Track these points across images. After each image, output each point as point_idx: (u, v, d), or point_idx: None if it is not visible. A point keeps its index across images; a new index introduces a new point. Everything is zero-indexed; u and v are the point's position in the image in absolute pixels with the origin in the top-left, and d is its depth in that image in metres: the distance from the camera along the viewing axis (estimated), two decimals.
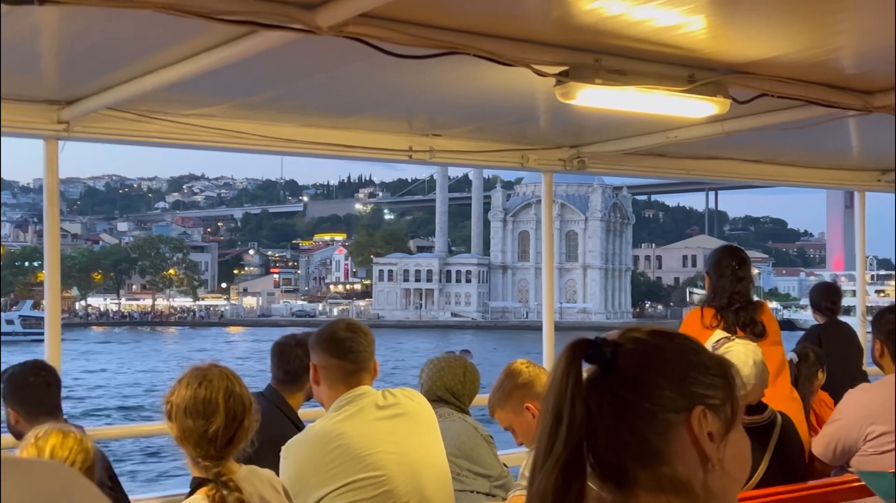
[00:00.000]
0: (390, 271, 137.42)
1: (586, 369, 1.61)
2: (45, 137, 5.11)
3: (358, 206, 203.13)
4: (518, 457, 6.64)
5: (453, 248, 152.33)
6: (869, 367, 7.07)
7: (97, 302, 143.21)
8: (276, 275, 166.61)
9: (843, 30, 4.27)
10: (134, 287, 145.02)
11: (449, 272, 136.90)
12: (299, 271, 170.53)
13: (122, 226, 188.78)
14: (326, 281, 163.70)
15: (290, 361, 5.02)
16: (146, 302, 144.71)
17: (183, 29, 3.66)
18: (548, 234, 7.25)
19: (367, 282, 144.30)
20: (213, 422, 3.19)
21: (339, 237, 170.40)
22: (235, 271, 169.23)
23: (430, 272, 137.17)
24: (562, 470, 1.53)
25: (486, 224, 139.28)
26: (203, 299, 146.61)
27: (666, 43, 4.22)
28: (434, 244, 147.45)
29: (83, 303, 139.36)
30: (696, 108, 4.63)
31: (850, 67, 4.82)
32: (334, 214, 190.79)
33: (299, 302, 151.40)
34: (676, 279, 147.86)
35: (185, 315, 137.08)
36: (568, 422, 1.55)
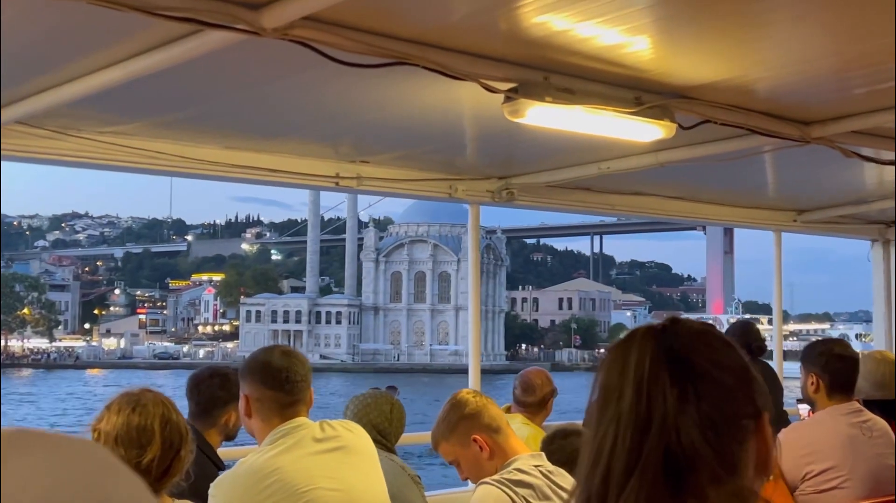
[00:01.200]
0: (258, 312, 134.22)
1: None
2: None
3: (244, 246, 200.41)
4: (446, 498, 6.44)
5: (335, 290, 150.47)
6: (788, 408, 7.05)
7: None
8: (142, 316, 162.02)
9: (774, 58, 4.26)
10: None
11: (319, 313, 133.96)
12: (167, 311, 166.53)
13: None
14: (195, 322, 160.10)
15: (202, 392, 4.70)
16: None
17: (118, 27, 3.41)
18: (474, 267, 7.07)
19: (237, 322, 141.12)
20: (148, 452, 2.92)
21: (218, 276, 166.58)
22: (97, 311, 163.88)
23: (298, 313, 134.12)
24: (652, 481, 1.33)
25: (361, 265, 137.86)
26: (61, 340, 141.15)
27: (614, 62, 4.12)
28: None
29: None
30: (642, 131, 4.52)
31: (786, 96, 4.80)
32: (219, 254, 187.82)
33: (164, 343, 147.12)
34: (552, 321, 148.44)
35: (39, 357, 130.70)
36: (660, 422, 1.35)
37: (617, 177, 6.68)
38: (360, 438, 3.93)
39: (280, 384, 3.73)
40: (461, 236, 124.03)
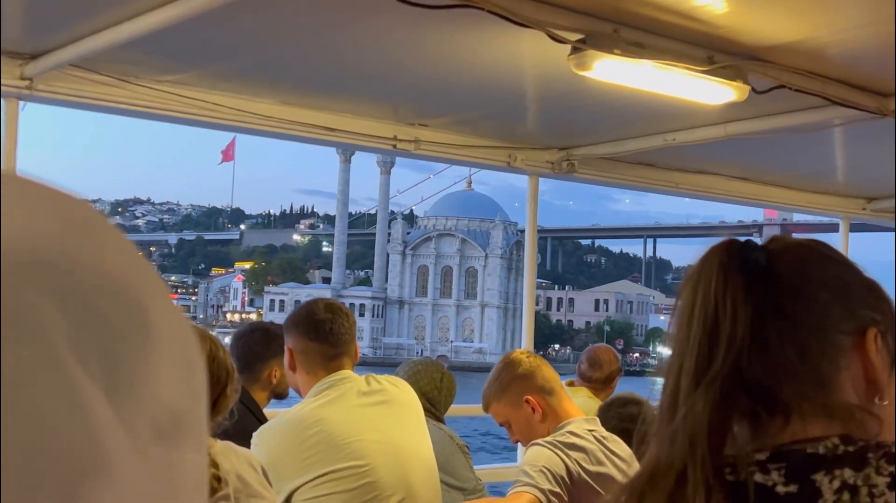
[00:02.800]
0: (281, 301, 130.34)
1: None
2: (6, 96, 4.68)
3: (296, 237, 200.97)
4: (494, 473, 6.32)
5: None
6: None
7: None
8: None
9: (856, 15, 4.06)
10: None
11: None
12: (195, 298, 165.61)
13: None
14: (224, 309, 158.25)
15: (241, 346, 4.65)
16: None
17: None
18: (531, 245, 6.93)
19: (263, 311, 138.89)
20: None
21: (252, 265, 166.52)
22: None
23: None
24: (721, 391, 1.25)
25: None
26: None
27: (686, 15, 3.96)
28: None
29: None
30: (713, 92, 4.35)
31: (865, 62, 4.59)
32: (270, 244, 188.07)
33: None
34: (587, 322, 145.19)
35: None
36: (728, 336, 1.26)
37: (681, 153, 6.51)
38: (405, 393, 3.84)
39: (324, 336, 3.65)
40: (489, 231, 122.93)
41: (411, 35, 4.32)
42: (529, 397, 3.80)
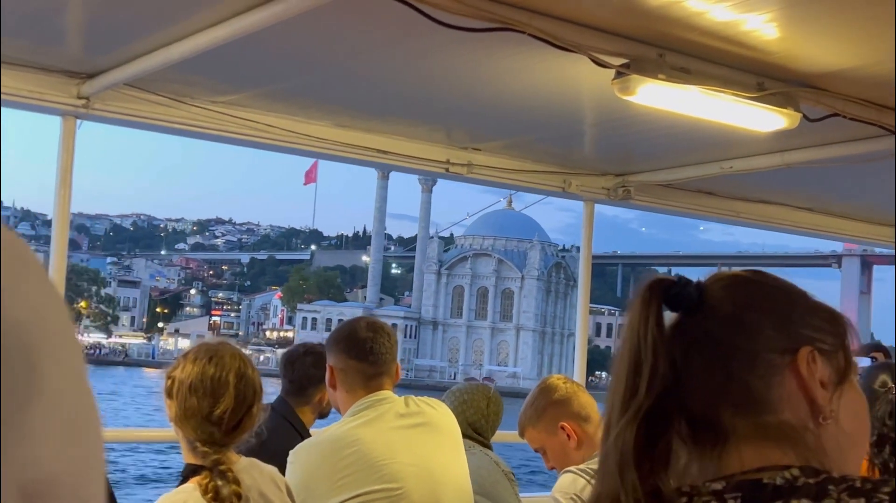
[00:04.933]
0: (314, 319, 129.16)
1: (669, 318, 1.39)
2: (63, 114, 4.80)
3: (365, 258, 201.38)
4: (540, 500, 6.24)
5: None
6: None
7: None
8: (216, 318, 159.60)
9: None
10: None
11: None
12: (234, 315, 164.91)
13: (137, 263, 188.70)
14: (263, 326, 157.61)
15: (296, 370, 4.66)
16: None
17: None
18: (585, 271, 6.86)
19: (296, 329, 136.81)
20: (221, 403, 2.85)
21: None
22: (159, 310, 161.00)
23: None
24: (644, 419, 1.28)
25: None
26: (120, 336, 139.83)
27: (734, 41, 3.90)
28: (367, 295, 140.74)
29: None
30: (763, 119, 4.28)
31: None
32: (340, 265, 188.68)
33: None
34: None
35: (92, 352, 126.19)
36: (650, 368, 1.31)
37: (742, 182, 6.41)
38: (443, 416, 3.80)
39: (364, 355, 3.64)
40: (527, 252, 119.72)
41: (456, 57, 4.33)
42: (565, 423, 3.76)
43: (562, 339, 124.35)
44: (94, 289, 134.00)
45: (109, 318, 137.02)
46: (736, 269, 1.46)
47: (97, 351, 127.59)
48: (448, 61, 4.41)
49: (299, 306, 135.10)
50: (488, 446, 4.92)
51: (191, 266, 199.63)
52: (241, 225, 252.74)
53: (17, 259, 0.48)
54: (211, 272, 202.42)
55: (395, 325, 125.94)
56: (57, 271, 4.97)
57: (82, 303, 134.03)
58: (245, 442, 2.99)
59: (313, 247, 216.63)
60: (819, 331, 1.38)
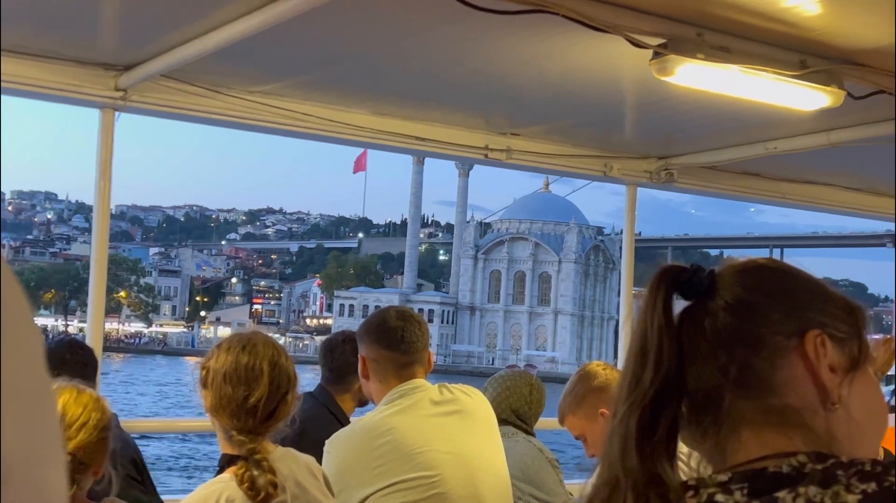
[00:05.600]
0: (350, 306, 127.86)
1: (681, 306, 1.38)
2: (102, 106, 4.82)
3: None
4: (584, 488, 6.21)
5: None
6: None
7: (45, 321, 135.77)
8: (258, 306, 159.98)
9: None
10: (77, 310, 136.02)
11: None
12: (273, 303, 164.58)
13: (184, 252, 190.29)
14: (304, 314, 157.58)
15: (336, 358, 4.66)
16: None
17: None
18: (629, 254, 6.79)
19: (333, 316, 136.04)
20: (255, 392, 2.86)
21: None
22: (199, 299, 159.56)
23: None
24: (648, 405, 1.30)
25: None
26: (161, 325, 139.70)
27: (775, 18, 3.82)
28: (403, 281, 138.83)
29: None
30: (805, 97, 4.19)
31: None
32: (387, 252, 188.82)
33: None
34: None
35: (132, 341, 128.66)
36: (655, 355, 1.32)
37: (787, 163, 6.31)
38: (478, 403, 3.78)
39: (395, 344, 3.63)
40: (563, 235, 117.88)
41: (493, 42, 4.29)
42: (605, 410, 3.71)
43: (601, 323, 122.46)
44: (133, 278, 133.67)
45: (149, 307, 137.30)
46: (753, 257, 1.44)
47: (137, 340, 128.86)
48: (485, 46, 4.37)
49: (336, 293, 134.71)
50: (531, 433, 4.90)
51: (239, 255, 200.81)
52: (291, 214, 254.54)
53: None
54: (260, 261, 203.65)
55: (431, 311, 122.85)
56: (98, 261, 5.01)
57: (122, 293, 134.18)
58: (281, 430, 2.98)
59: (360, 234, 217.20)
60: (832, 318, 1.35)
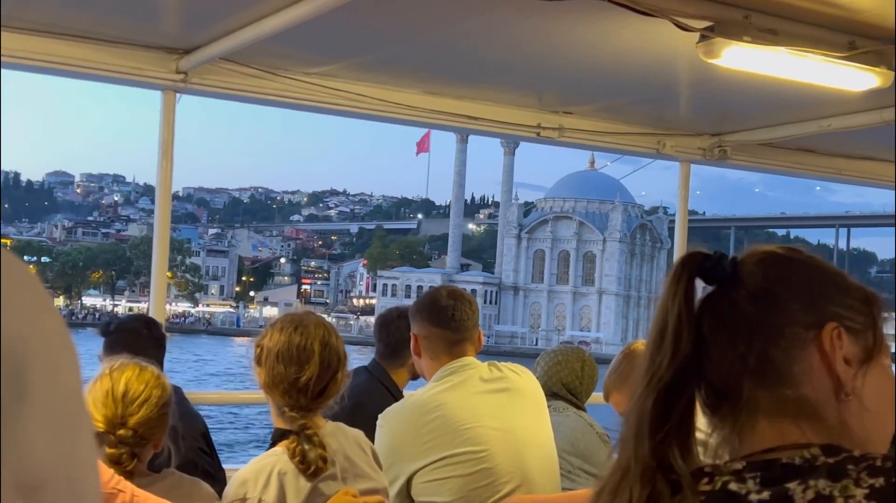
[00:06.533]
0: (393, 286, 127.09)
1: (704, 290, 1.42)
2: (163, 88, 4.98)
3: (471, 226, 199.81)
4: None
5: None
6: None
7: (94, 301, 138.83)
8: (306, 286, 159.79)
9: None
10: (125, 289, 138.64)
11: None
12: (320, 283, 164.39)
13: (240, 233, 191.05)
14: (351, 294, 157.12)
15: (391, 333, 4.77)
16: (145, 304, 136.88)
17: None
18: (681, 233, 6.81)
19: (377, 296, 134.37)
20: (306, 370, 2.98)
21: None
22: (245, 278, 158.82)
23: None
24: (663, 390, 1.33)
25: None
26: (207, 305, 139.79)
27: (825, 1, 3.82)
28: (446, 260, 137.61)
29: (79, 301, 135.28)
30: (854, 78, 4.19)
31: None
32: (446, 233, 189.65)
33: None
34: None
35: (178, 321, 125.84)
36: (673, 341, 1.34)
37: (843, 139, 6.27)
38: (526, 381, 3.87)
39: (446, 321, 3.74)
40: (608, 213, 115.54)
41: (545, 23, 4.34)
42: None
43: (648, 303, 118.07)
44: (179, 258, 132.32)
45: (195, 287, 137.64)
46: (774, 246, 1.47)
47: (183, 319, 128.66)
48: (536, 28, 4.42)
49: (379, 273, 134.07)
50: (582, 408, 4.96)
51: (300, 237, 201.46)
52: (354, 196, 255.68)
53: (12, 277, 0.53)
54: (320, 242, 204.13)
55: (474, 291, 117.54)
56: (160, 241, 5.18)
57: (168, 273, 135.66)
58: (331, 407, 3.11)
59: (420, 215, 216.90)
60: (849, 310, 1.38)
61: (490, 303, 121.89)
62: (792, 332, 1.36)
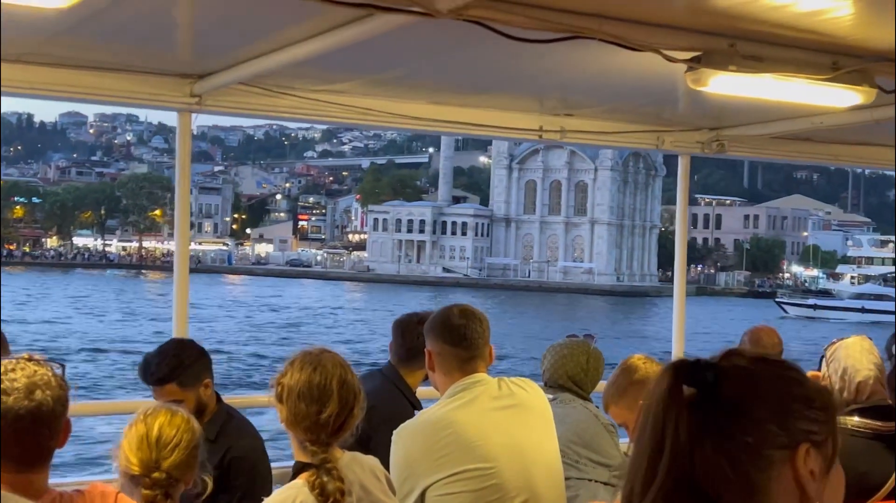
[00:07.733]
0: (384, 220, 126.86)
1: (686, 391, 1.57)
2: (179, 110, 5.22)
3: (482, 160, 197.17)
4: None
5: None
6: None
7: (85, 241, 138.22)
8: (303, 222, 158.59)
9: None
10: (117, 229, 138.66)
11: (444, 223, 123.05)
12: (325, 218, 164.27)
13: (243, 170, 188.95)
14: (346, 229, 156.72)
15: (410, 339, 4.99)
16: (135, 244, 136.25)
17: (304, 10, 3.66)
18: (682, 219, 7.02)
19: (368, 231, 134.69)
20: (327, 408, 3.22)
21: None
22: (237, 216, 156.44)
23: (422, 222, 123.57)
24: (664, 498, 1.50)
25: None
26: (200, 243, 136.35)
27: (808, 29, 3.97)
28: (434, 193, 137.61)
29: (69, 242, 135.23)
30: (838, 97, 4.36)
31: None
32: (458, 166, 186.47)
33: (299, 250, 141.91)
34: (736, 240, 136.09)
35: (169, 261, 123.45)
36: (671, 449, 1.51)
37: (839, 131, 6.41)
38: (535, 397, 4.11)
39: (458, 340, 3.98)
40: None
41: (543, 50, 4.48)
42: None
43: (642, 232, 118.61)
44: (168, 196, 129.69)
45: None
46: (748, 354, 1.63)
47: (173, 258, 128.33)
48: (537, 48, 4.53)
49: (370, 207, 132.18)
50: (587, 398, 5.19)
51: (311, 173, 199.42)
52: (367, 131, 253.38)
53: None
54: (331, 178, 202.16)
55: (465, 224, 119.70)
56: (182, 181, 5.54)
57: (157, 212, 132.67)
58: (346, 440, 3.35)
59: (430, 149, 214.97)
60: (814, 423, 1.57)
61: (481, 235, 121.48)
62: (769, 455, 1.53)
